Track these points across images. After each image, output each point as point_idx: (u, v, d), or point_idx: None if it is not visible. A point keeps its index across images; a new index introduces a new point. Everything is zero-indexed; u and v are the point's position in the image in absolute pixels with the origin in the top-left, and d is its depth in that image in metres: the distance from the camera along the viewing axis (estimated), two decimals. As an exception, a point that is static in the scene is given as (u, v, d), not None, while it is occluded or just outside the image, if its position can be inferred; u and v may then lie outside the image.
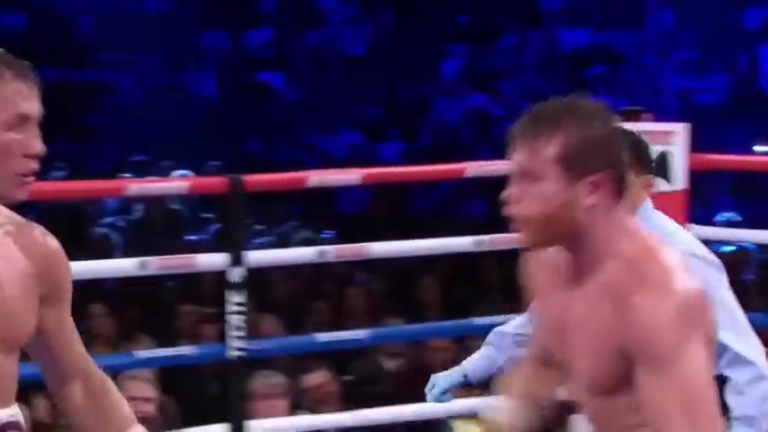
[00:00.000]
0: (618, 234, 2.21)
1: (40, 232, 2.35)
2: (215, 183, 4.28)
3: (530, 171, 2.20)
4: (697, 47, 12.71)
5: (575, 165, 2.19)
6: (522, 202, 2.21)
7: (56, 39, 12.92)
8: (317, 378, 5.20)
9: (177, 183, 4.35)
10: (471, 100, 12.44)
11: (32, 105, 2.26)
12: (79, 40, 13.16)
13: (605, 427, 2.27)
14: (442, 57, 12.98)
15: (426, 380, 3.72)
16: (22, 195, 2.28)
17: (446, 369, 4.79)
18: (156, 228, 8.49)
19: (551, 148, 2.19)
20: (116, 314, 5.92)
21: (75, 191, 4.76)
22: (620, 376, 2.18)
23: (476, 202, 10.92)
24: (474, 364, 3.60)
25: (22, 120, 2.24)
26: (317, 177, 4.32)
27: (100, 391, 2.46)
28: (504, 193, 2.23)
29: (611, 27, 12.87)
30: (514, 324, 3.57)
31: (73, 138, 12.23)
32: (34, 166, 2.28)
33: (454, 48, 13.03)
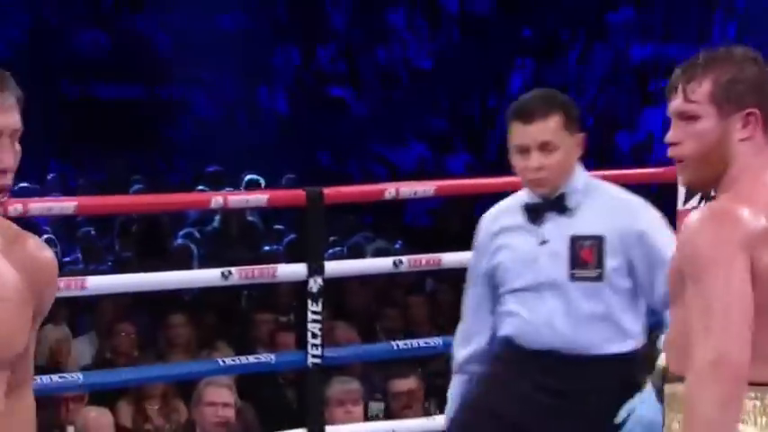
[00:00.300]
0: (755, 176, 2.31)
1: (34, 243, 2.17)
2: (294, 195, 4.30)
3: (686, 112, 2.34)
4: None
5: (726, 100, 2.32)
6: (681, 143, 2.33)
7: (135, 56, 13.09)
8: (408, 384, 5.21)
9: (257, 195, 4.37)
10: (537, 112, 12.40)
11: (2, 118, 2.10)
12: (157, 58, 13.32)
13: (670, 335, 2.37)
14: (509, 70, 13.00)
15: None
16: None
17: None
18: (232, 238, 8.58)
19: (704, 87, 2.32)
20: (195, 323, 6.00)
21: (161, 204, 4.81)
22: (677, 286, 2.31)
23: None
24: (460, 393, 3.44)
25: None
26: (394, 189, 4.35)
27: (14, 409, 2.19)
28: (666, 138, 2.37)
29: (675, 40, 12.82)
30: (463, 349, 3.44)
31: (151, 152, 12.39)
32: (2, 180, 2.10)
33: (520, 61, 13.04)
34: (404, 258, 4.44)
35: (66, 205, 4.11)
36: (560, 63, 13.11)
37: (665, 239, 3.23)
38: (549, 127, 3.23)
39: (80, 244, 8.15)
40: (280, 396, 5.61)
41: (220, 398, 4.72)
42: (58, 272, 2.23)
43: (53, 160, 11.64)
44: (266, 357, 4.51)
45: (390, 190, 4.34)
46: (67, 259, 7.68)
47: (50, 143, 11.19)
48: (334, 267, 4.36)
